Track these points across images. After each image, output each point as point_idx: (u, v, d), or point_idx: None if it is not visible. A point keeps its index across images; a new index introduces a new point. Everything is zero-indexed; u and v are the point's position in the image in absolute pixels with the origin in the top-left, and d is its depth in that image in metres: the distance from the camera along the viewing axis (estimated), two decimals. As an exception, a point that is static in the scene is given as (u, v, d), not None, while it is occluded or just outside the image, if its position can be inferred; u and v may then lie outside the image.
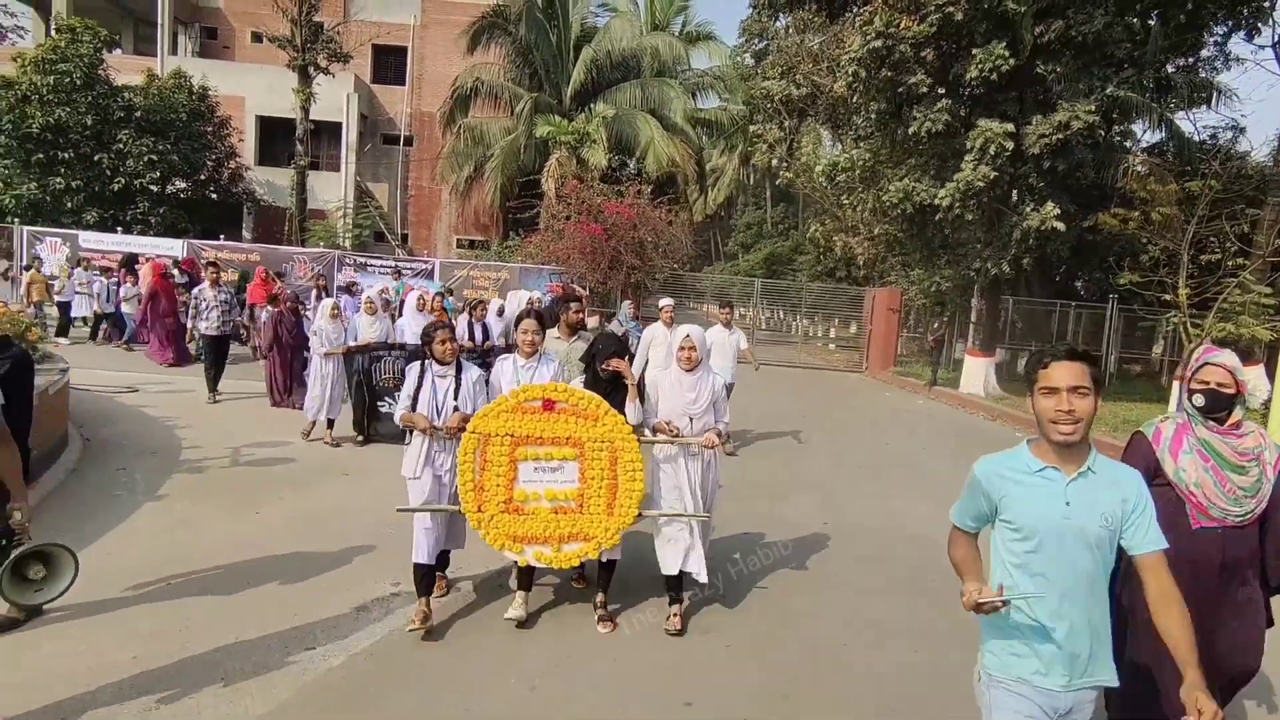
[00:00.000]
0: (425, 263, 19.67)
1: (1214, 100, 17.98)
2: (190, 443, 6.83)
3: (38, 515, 4.51)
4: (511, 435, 3.71)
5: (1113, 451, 7.76)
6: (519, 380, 4.08)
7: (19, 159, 19.30)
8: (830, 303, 23.96)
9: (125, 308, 13.16)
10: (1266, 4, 12.89)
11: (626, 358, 4.22)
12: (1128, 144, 17.20)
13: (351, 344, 7.51)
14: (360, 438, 7.41)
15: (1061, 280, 19.64)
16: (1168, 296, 12.71)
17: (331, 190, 25.71)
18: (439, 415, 3.91)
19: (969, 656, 2.15)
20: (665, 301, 8.01)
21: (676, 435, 3.90)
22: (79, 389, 7.57)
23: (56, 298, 13.76)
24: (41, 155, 19.29)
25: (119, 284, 13.42)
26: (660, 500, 4.03)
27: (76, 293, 13.73)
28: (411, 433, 3.93)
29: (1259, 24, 13.17)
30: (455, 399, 3.96)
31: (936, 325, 16.41)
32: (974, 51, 11.00)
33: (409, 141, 28.37)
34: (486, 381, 4.19)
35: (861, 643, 3.93)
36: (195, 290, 9.29)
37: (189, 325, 9.97)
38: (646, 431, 4.02)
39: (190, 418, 7.77)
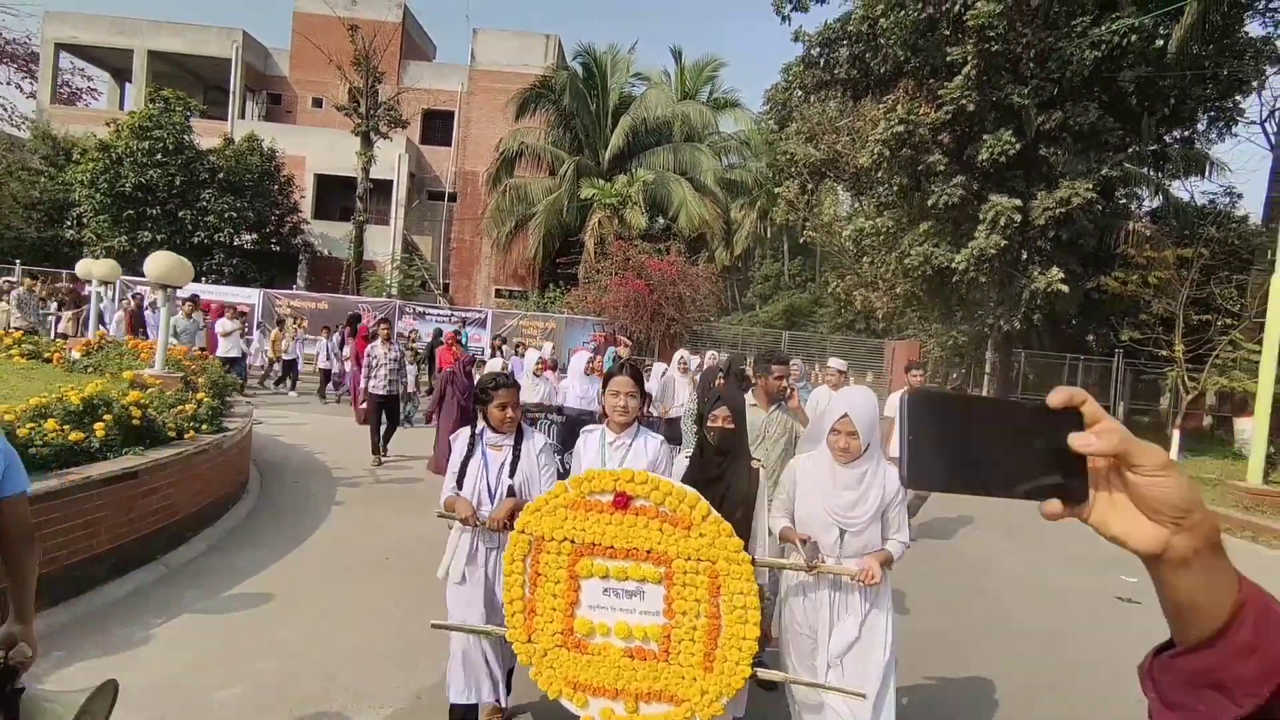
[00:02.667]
0: (479, 312, 21.27)
1: (1208, 171, 19.57)
2: (335, 464, 8.21)
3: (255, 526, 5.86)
4: (572, 541, 2.71)
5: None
6: (604, 463, 3.09)
7: (111, 215, 21.25)
8: (851, 354, 25.31)
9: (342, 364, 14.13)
10: (1240, 103, 14.48)
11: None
12: (1131, 207, 18.73)
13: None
14: None
15: (1073, 335, 20.96)
16: (1163, 352, 13.97)
17: (381, 242, 27.58)
18: (491, 498, 3.15)
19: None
20: (836, 363, 6.39)
21: (815, 560, 2.72)
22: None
23: (284, 355, 14.82)
24: (132, 211, 21.24)
25: (342, 342, 14.16)
26: (789, 658, 2.96)
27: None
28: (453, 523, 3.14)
29: (1235, 117, 14.72)
30: (511, 477, 3.15)
31: (954, 376, 17.72)
32: (984, 137, 12.57)
33: (453, 198, 30.39)
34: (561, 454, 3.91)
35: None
36: (368, 348, 8.92)
37: (362, 384, 9.05)
38: (759, 547, 2.93)
39: (321, 443, 9.15)
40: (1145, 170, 18.35)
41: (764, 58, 69.27)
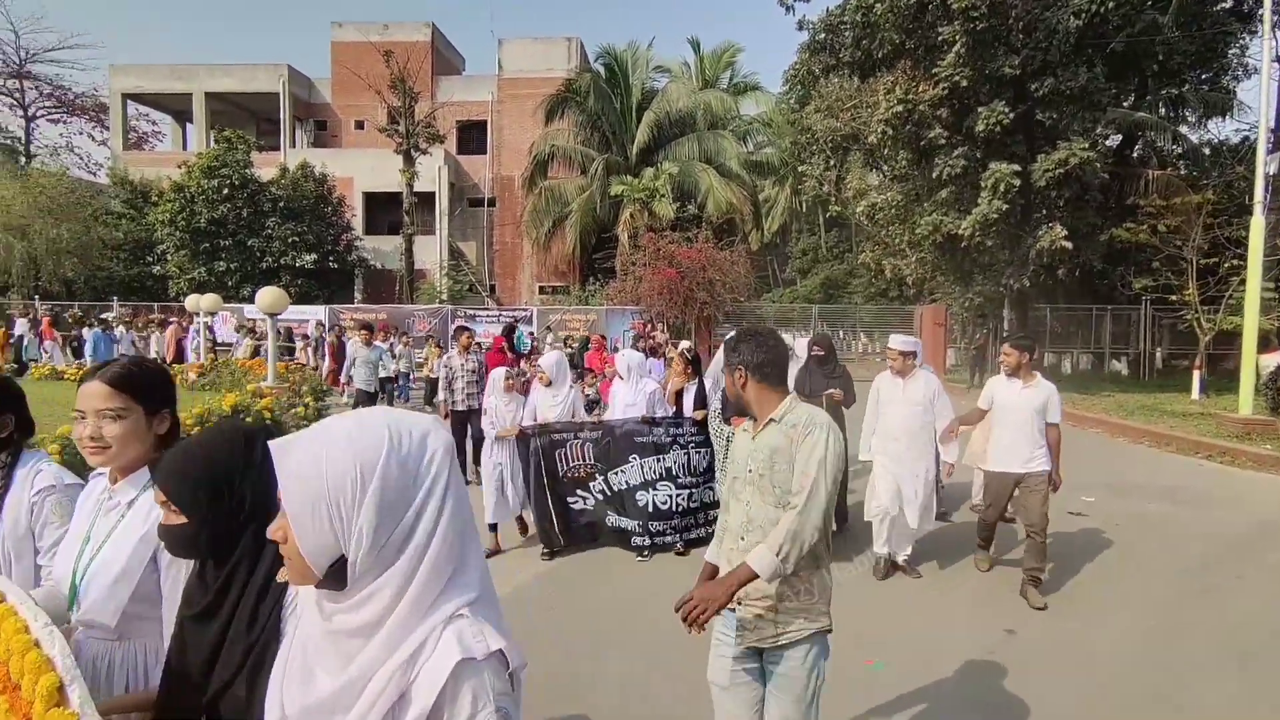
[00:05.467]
0: (524, 310, 22.81)
1: (1234, 111, 19.66)
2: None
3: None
4: None
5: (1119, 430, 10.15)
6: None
7: (190, 250, 23.48)
8: (884, 321, 26.08)
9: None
10: (1230, 58, 14.98)
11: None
12: (1148, 156, 19.08)
13: (527, 425, 5.86)
14: (546, 551, 5.72)
15: (1101, 287, 21.35)
16: (1173, 297, 14.54)
17: (429, 251, 29.39)
18: None
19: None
20: (899, 342, 5.26)
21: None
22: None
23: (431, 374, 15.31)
24: (207, 244, 23.45)
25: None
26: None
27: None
28: None
29: (1224, 66, 15.27)
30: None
31: (977, 335, 18.48)
32: (979, 109, 13.35)
33: (492, 203, 32.04)
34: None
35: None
36: (444, 359, 8.22)
37: (440, 399, 7.98)
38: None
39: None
40: (1160, 117, 18.72)
41: (782, 37, 69.19)
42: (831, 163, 25.29)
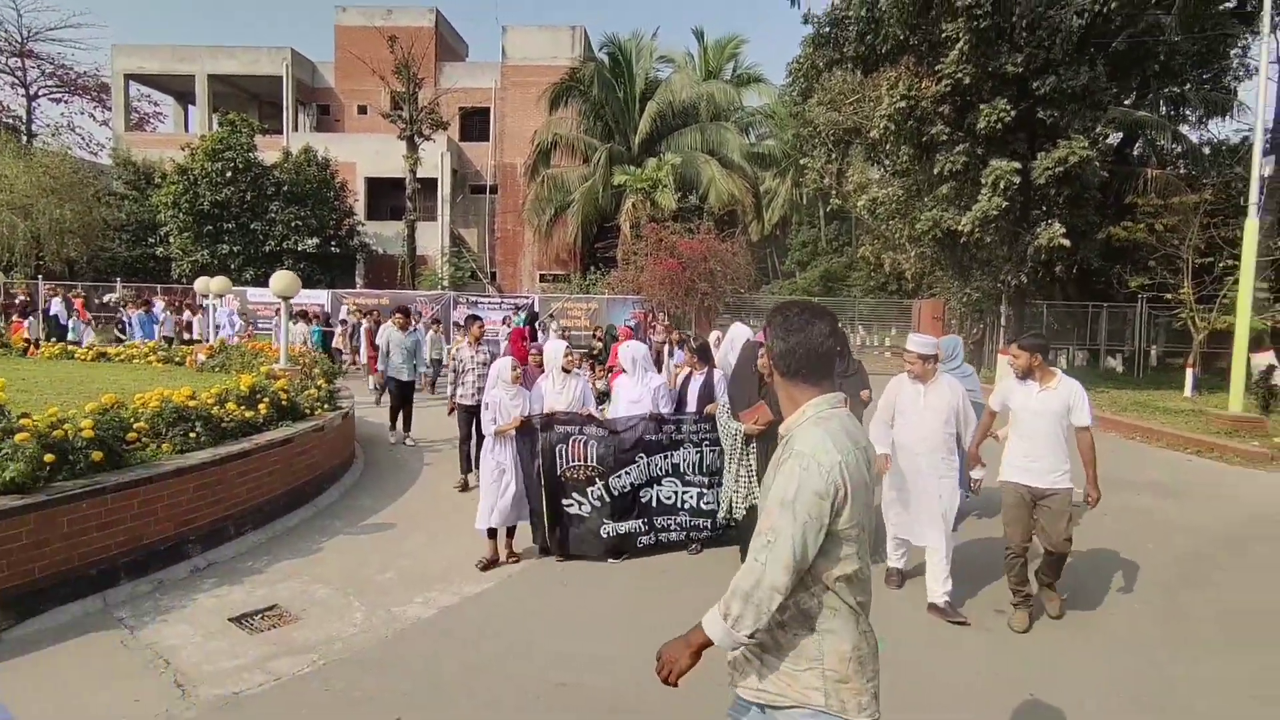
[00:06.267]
0: (526, 298, 22.95)
1: (1234, 111, 19.80)
2: (420, 438, 9.86)
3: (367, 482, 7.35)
4: None
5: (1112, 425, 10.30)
6: None
7: (193, 232, 23.53)
8: (882, 314, 26.28)
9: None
10: (1232, 59, 15.12)
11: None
12: (1148, 155, 19.23)
13: (534, 415, 5.41)
14: (552, 559, 5.43)
15: (1100, 285, 21.55)
16: (1168, 295, 14.74)
17: (431, 238, 29.44)
18: None
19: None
20: (917, 344, 4.70)
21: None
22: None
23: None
24: (210, 227, 23.50)
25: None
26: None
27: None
28: None
29: (1225, 68, 15.41)
30: None
31: (975, 330, 18.68)
32: (981, 106, 13.48)
33: (494, 190, 32.07)
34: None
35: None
36: (455, 350, 7.95)
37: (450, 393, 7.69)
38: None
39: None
40: (1161, 116, 18.86)
41: (786, 30, 68.94)
42: (833, 156, 25.31)
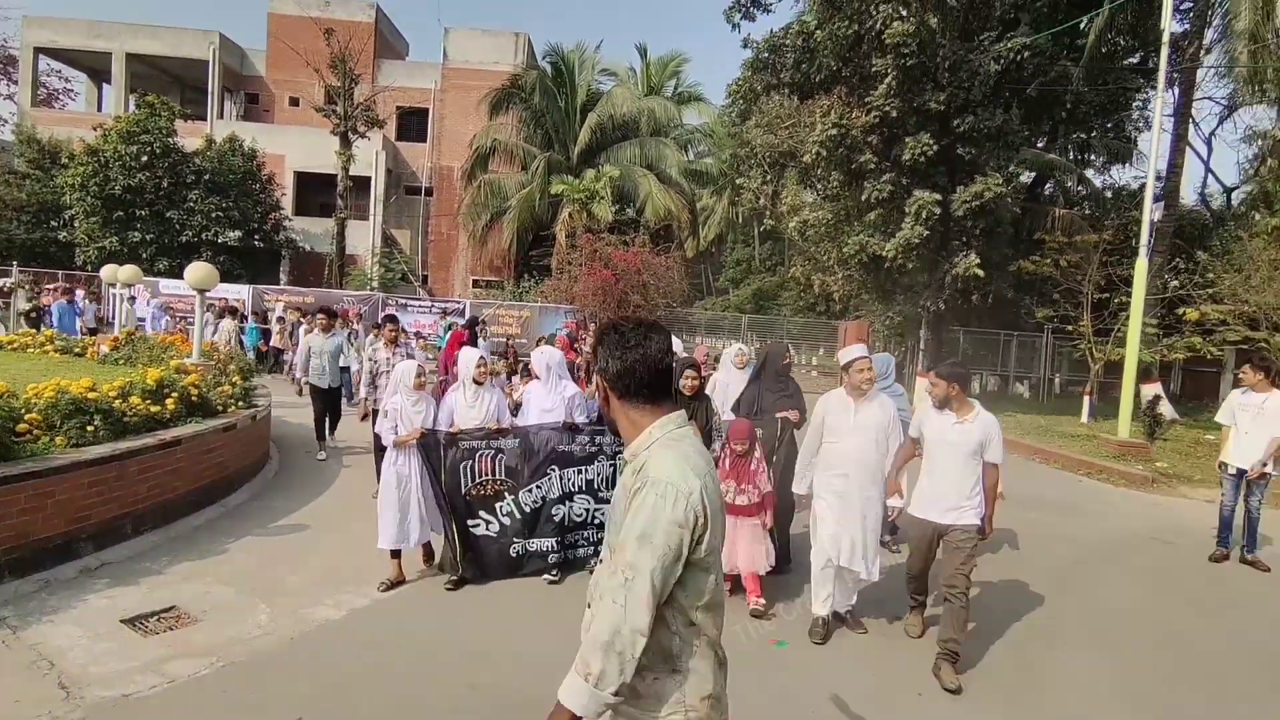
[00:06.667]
0: (457, 303, 22.62)
1: (1133, 159, 21.42)
2: (337, 440, 9.60)
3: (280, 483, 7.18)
4: None
5: (1014, 447, 10.62)
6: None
7: (102, 217, 22.24)
8: (811, 334, 27.07)
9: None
10: (1134, 110, 16.42)
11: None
12: (1057, 195, 20.60)
13: (443, 429, 5.04)
14: (449, 580, 4.98)
15: (1010, 314, 22.84)
16: (1069, 328, 15.75)
17: (361, 237, 28.71)
18: None
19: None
20: (853, 352, 4.69)
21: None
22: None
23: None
24: (121, 213, 22.27)
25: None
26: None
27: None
28: None
29: (1125, 118, 16.68)
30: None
31: (897, 353, 19.46)
32: (906, 139, 14.14)
33: (429, 192, 31.56)
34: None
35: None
36: (369, 349, 7.58)
37: (361, 397, 7.53)
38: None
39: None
40: (1069, 160, 20.25)
41: (727, 52, 70.59)
42: (768, 177, 26.04)
